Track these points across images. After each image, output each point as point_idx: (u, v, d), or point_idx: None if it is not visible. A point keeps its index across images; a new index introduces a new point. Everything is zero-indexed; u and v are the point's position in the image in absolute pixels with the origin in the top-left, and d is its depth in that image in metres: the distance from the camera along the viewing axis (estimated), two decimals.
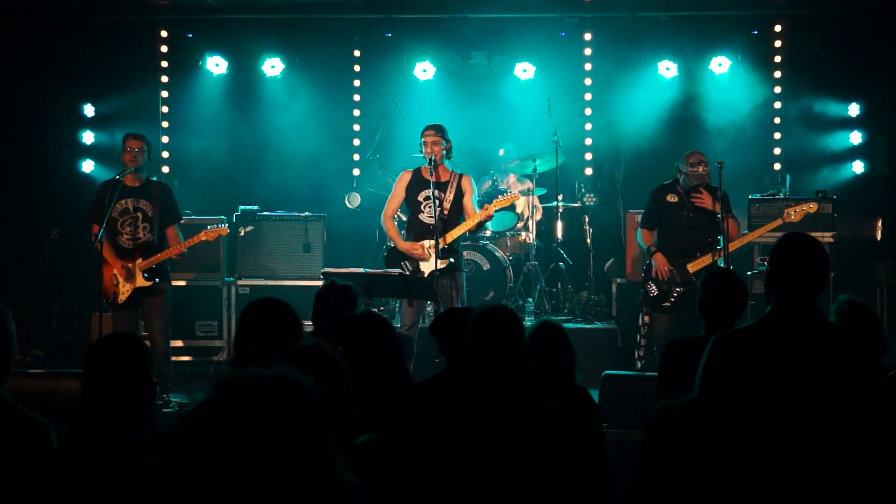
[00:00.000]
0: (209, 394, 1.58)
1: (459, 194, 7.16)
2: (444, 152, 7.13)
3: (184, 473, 1.52)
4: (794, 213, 7.20)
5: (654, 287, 7.16)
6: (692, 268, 7.06)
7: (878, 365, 3.50)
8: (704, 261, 7.03)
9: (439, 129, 7.14)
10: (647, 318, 7.35)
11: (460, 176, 7.23)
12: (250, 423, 1.51)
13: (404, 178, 7.29)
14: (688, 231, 7.16)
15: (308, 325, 4.20)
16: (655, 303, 7.17)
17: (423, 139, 7.13)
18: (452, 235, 7.03)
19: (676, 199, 7.22)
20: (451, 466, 2.93)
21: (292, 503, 1.51)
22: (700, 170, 7.07)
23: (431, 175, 7.01)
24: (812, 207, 7.27)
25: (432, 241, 7.01)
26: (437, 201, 7.00)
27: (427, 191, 7.08)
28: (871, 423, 2.95)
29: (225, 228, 7.41)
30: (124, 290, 7.07)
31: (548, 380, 3.91)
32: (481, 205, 7.43)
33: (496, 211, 7.26)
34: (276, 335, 3.40)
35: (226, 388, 1.57)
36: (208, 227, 7.34)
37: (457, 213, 7.16)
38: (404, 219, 7.54)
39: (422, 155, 7.15)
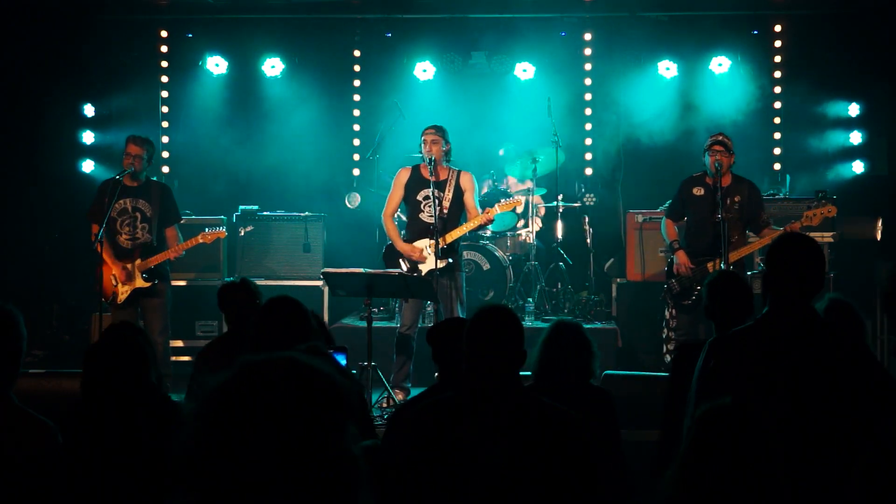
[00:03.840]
0: (229, 375, 1.56)
1: (459, 192, 7.15)
2: (444, 153, 7.13)
3: (200, 453, 1.51)
4: (815, 217, 6.98)
5: (676, 284, 7.13)
6: (713, 267, 6.98)
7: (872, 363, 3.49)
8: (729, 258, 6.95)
9: (439, 130, 7.14)
10: (673, 311, 7.31)
11: (458, 173, 7.21)
12: (273, 403, 1.50)
13: (402, 175, 7.28)
14: (713, 226, 6.98)
15: None
16: (678, 299, 7.14)
17: (423, 138, 7.14)
18: (453, 236, 7.03)
19: (703, 193, 7.08)
20: (449, 466, 2.93)
21: (307, 483, 1.51)
22: (720, 136, 7.01)
23: (431, 175, 7.00)
24: (831, 212, 7.10)
25: (431, 241, 7.01)
26: (436, 200, 7.00)
27: (426, 190, 7.08)
28: (868, 423, 2.94)
29: (223, 231, 7.42)
30: (123, 291, 7.08)
31: (566, 380, 3.91)
32: (482, 205, 7.42)
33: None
34: (291, 333, 3.43)
35: (245, 369, 1.55)
36: (206, 229, 7.34)
37: (457, 212, 7.15)
38: (404, 218, 7.54)
39: (422, 155, 7.16)
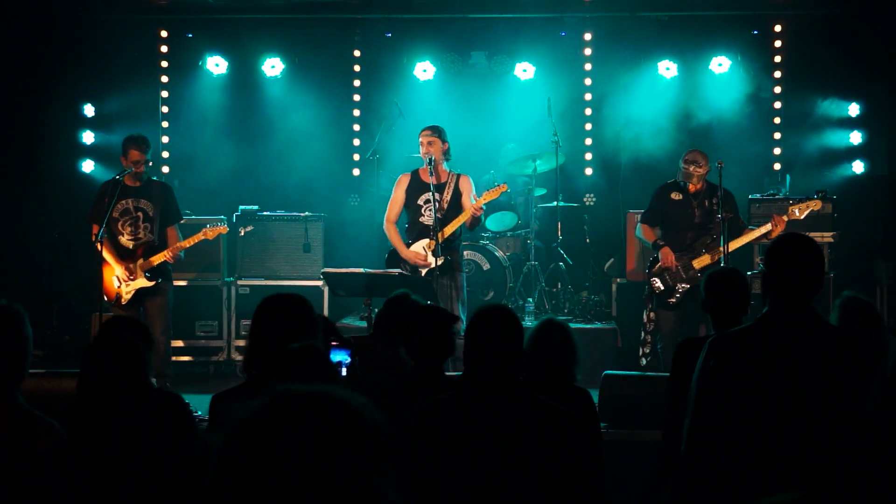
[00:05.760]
0: (260, 405, 1.44)
1: (457, 194, 7.18)
2: (442, 153, 7.13)
3: (227, 487, 1.40)
4: (799, 210, 7.15)
5: (659, 283, 7.13)
6: (697, 264, 7.04)
7: (878, 363, 3.49)
8: (710, 258, 7.01)
9: (436, 130, 7.14)
10: (652, 314, 7.30)
11: (458, 176, 7.24)
12: (307, 443, 1.39)
13: (403, 181, 7.30)
14: (692, 229, 7.13)
15: None
16: (661, 299, 7.14)
17: (419, 140, 7.15)
18: (449, 229, 7.03)
19: (681, 197, 7.19)
20: (449, 465, 2.93)
21: None
22: (690, 168, 7.07)
23: (431, 176, 7.01)
24: (816, 205, 7.23)
25: (430, 241, 7.01)
26: (436, 203, 7.01)
27: (426, 194, 7.09)
28: (867, 423, 2.95)
29: (224, 227, 7.43)
30: (127, 291, 7.08)
31: (548, 378, 3.93)
32: None
33: (487, 203, 7.19)
34: (292, 330, 3.42)
35: (280, 401, 1.43)
36: (207, 225, 7.36)
37: (454, 214, 7.16)
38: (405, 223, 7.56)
39: (420, 155, 7.17)
